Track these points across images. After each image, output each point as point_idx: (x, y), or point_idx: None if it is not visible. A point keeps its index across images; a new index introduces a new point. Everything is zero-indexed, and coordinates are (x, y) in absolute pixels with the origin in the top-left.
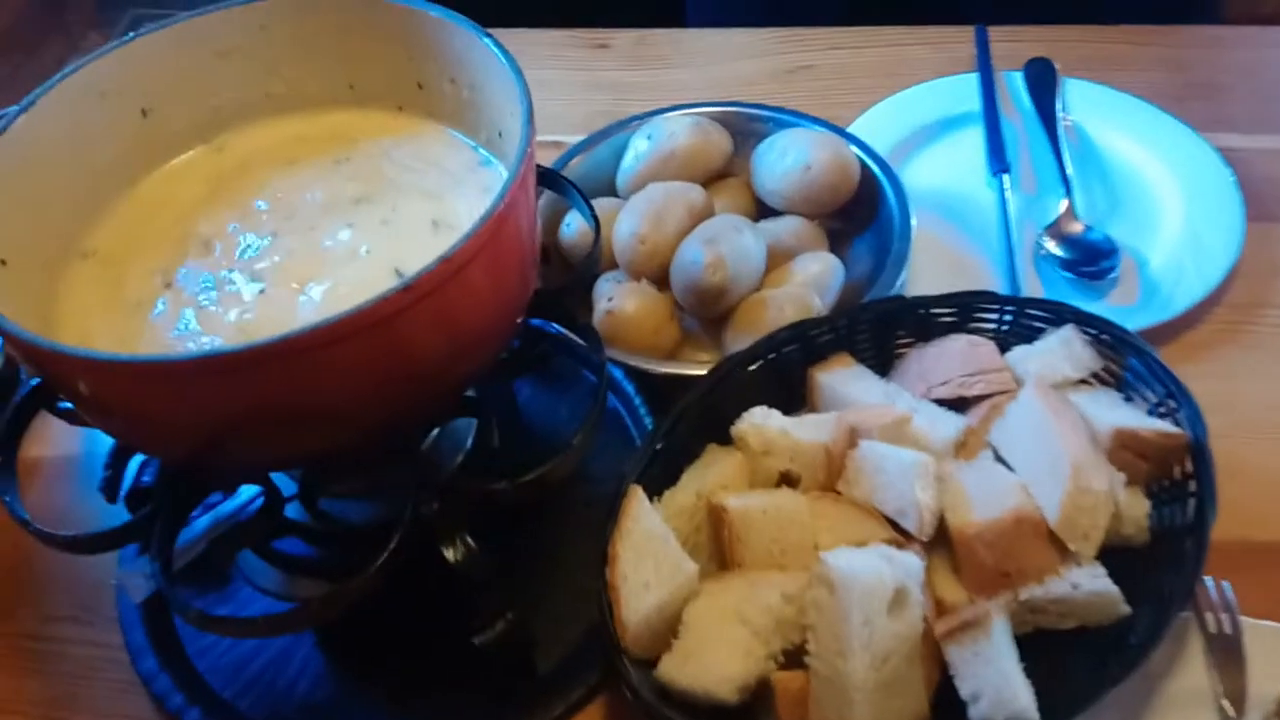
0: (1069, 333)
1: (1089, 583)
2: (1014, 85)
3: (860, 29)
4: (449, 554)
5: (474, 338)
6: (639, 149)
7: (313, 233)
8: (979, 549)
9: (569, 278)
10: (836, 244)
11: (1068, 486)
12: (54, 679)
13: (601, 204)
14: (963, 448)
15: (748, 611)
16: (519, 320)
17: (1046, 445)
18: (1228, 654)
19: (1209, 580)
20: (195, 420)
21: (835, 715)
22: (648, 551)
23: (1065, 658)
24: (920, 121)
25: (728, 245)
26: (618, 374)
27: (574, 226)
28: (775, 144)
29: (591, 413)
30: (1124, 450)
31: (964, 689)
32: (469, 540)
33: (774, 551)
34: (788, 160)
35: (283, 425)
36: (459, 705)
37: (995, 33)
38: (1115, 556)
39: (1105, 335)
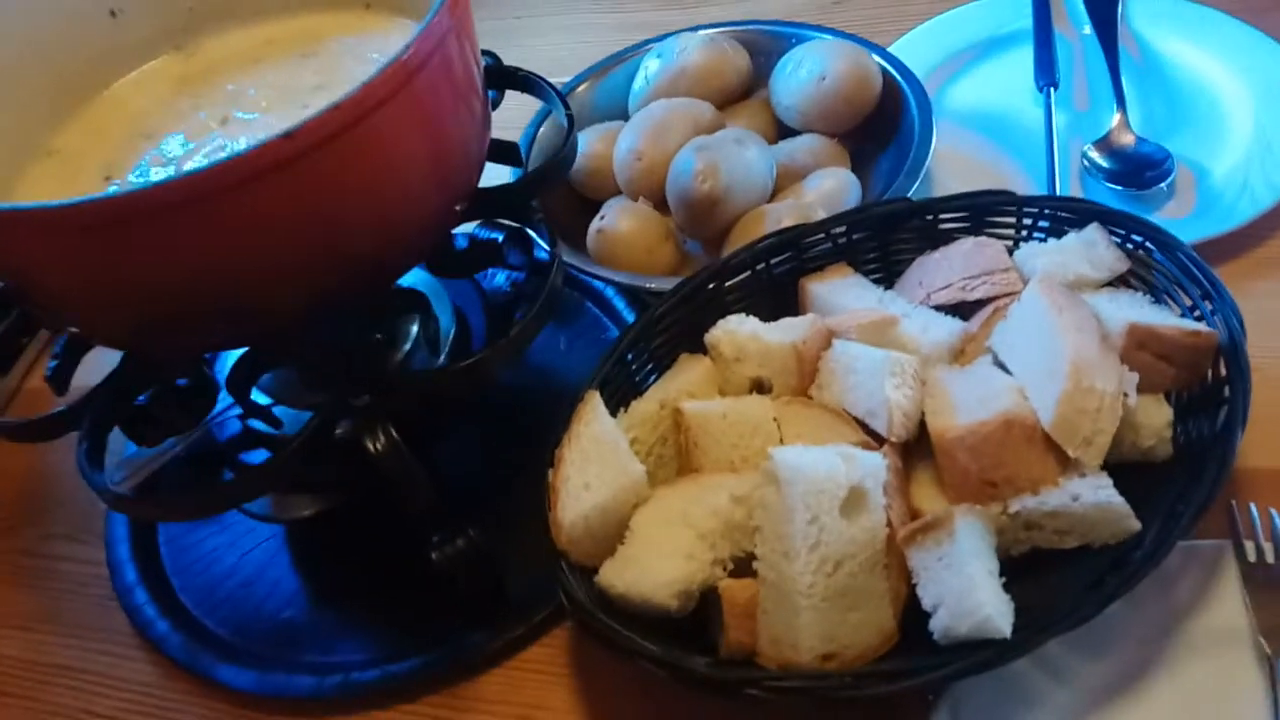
0: (1093, 233)
1: (1091, 494)
2: (1072, 2)
3: None
4: (369, 445)
5: (393, 212)
6: (649, 69)
7: (266, 117)
8: (960, 455)
9: (530, 174)
10: (861, 165)
11: (1065, 385)
12: (41, 593)
13: (608, 126)
14: (960, 355)
15: (694, 514)
16: (457, 208)
17: (1047, 344)
18: (1269, 586)
19: (1252, 507)
20: (112, 282)
21: (783, 626)
22: (595, 455)
23: (1059, 577)
24: (967, 41)
25: (724, 155)
26: (610, 293)
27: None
28: (793, 57)
29: (540, 299)
30: (1142, 351)
31: (925, 598)
32: (392, 432)
33: (735, 460)
34: (802, 72)
35: (197, 298)
36: (422, 623)
37: None
38: (1135, 474)
39: (1134, 235)
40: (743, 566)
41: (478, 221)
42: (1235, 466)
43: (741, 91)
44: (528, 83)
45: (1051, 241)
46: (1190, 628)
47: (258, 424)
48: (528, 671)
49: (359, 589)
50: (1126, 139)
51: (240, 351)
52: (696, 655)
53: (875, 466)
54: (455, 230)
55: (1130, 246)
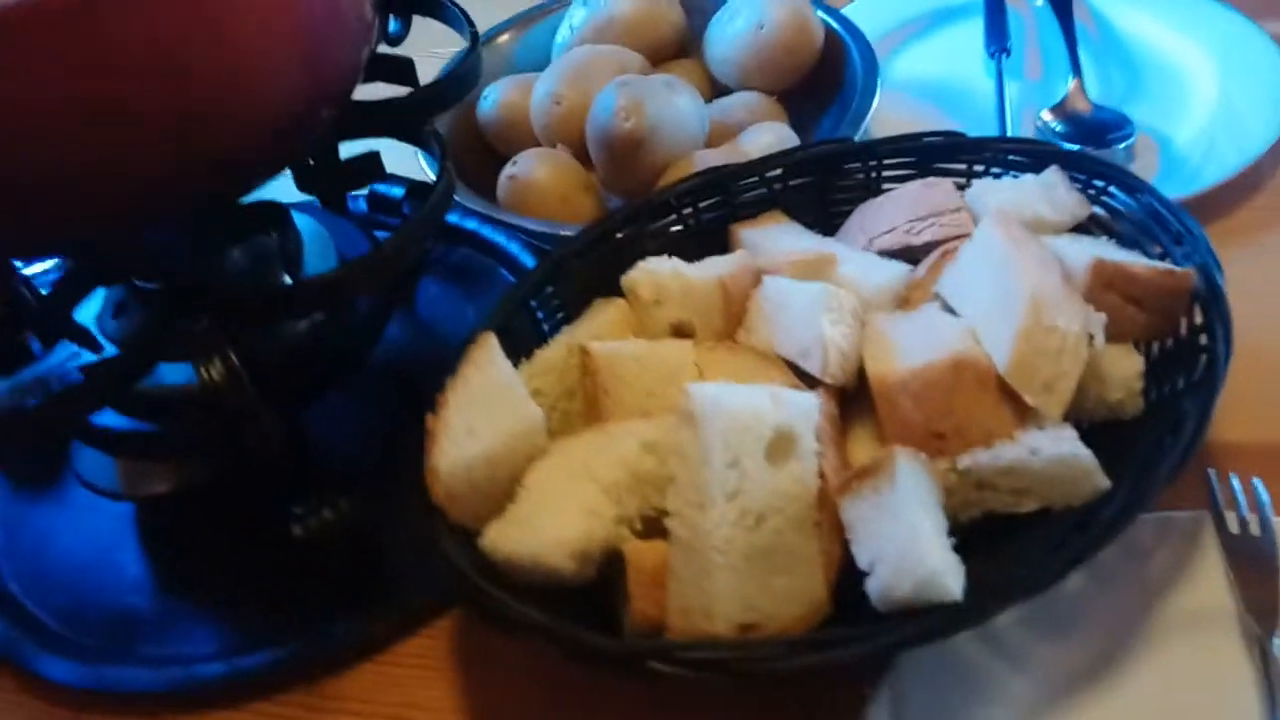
0: (1052, 175)
1: (1052, 447)
2: None
3: None
4: (203, 373)
5: (235, 86)
6: (575, 19)
7: None
8: (904, 402)
9: (422, 89)
10: (801, 126)
11: (1023, 322)
12: None
13: (526, 76)
14: (905, 303)
15: (597, 465)
16: (324, 113)
17: (1002, 281)
18: (1254, 560)
19: (1233, 477)
20: None
21: (695, 592)
22: (484, 400)
23: (1016, 547)
24: (916, 10)
25: (650, 94)
26: (524, 258)
27: (491, 98)
28: (730, 7)
29: (419, 214)
30: (1109, 292)
31: (862, 556)
32: (232, 359)
33: (649, 410)
34: (740, 21)
35: None
36: (282, 612)
37: None
38: (1101, 435)
39: (1096, 180)
40: (653, 529)
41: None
42: (1207, 442)
43: (675, 49)
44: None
45: (1007, 179)
46: (1167, 606)
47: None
48: (403, 666)
49: (214, 576)
50: (1083, 105)
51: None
52: (595, 630)
53: (807, 407)
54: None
55: (1092, 192)
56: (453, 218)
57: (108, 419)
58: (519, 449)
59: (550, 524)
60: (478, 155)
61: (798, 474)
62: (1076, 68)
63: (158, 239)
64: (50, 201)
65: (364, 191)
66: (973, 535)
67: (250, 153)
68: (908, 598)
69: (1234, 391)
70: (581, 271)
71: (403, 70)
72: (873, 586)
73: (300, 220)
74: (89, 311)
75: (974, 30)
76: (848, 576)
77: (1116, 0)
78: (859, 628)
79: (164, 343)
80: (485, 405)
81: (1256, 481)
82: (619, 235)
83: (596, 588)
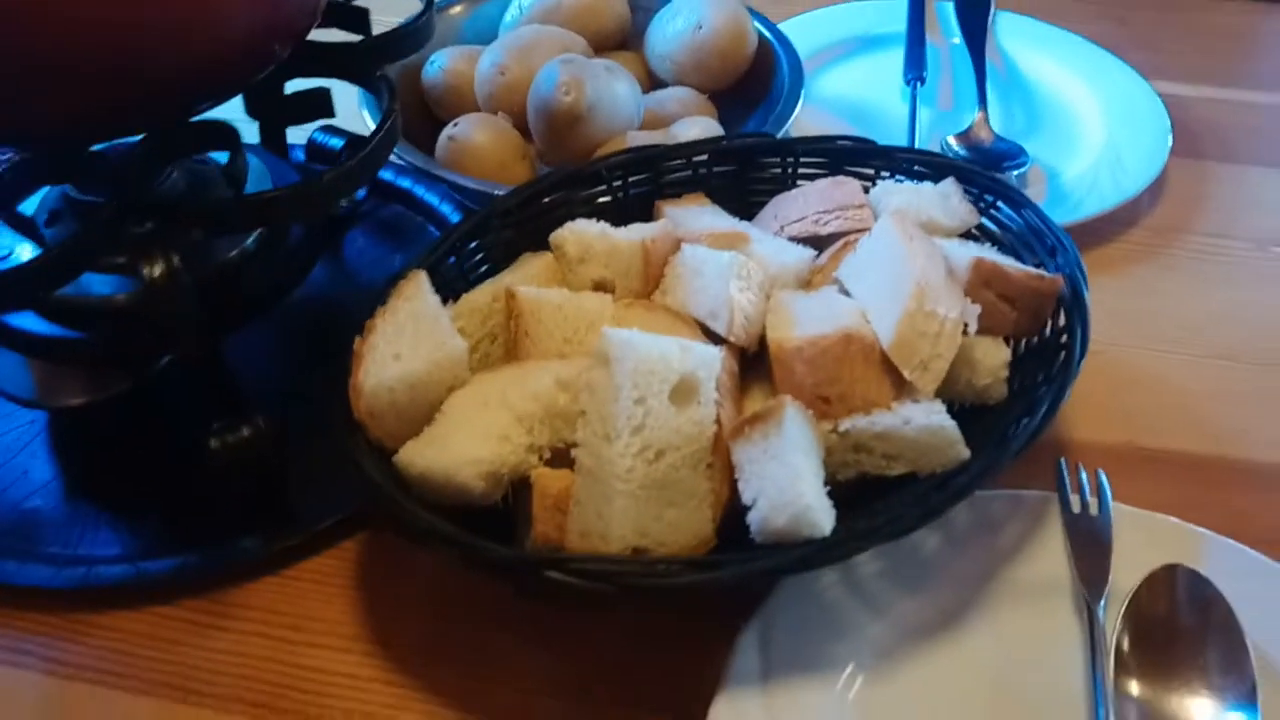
0: (948, 186)
1: (923, 418)
2: (945, 14)
3: None
4: (146, 271)
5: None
6: (524, 0)
7: None
8: (797, 366)
9: (377, 36)
10: (728, 125)
11: (907, 305)
12: None
13: (472, 47)
14: (807, 286)
15: (513, 396)
16: (276, 47)
17: (893, 270)
18: (1090, 537)
19: (1079, 465)
20: None
21: (594, 517)
22: (411, 329)
23: (883, 504)
24: (842, 35)
25: (590, 75)
26: (446, 209)
27: (437, 64)
28: (672, 7)
29: (364, 150)
30: (986, 289)
31: (746, 492)
32: (175, 261)
33: (566, 353)
34: (679, 21)
35: None
36: (188, 524)
37: None
38: (968, 417)
39: (987, 194)
40: (560, 460)
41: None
42: (1061, 437)
43: (617, 40)
44: None
45: (907, 183)
46: (1012, 573)
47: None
48: (304, 581)
49: (122, 485)
50: (985, 134)
51: None
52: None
53: (711, 358)
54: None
55: (983, 205)
56: (387, 174)
57: (33, 324)
58: (440, 377)
59: (465, 445)
60: (418, 119)
61: (697, 418)
62: (983, 101)
63: (108, 147)
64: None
65: (302, 142)
66: (847, 493)
67: (203, 76)
68: (783, 529)
69: (1088, 397)
70: (511, 227)
71: (358, 18)
72: (754, 518)
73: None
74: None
75: (895, 59)
76: (731, 519)
77: (1025, 46)
78: (737, 553)
79: (109, 240)
80: (412, 333)
81: (1100, 472)
82: (549, 199)
83: (499, 515)
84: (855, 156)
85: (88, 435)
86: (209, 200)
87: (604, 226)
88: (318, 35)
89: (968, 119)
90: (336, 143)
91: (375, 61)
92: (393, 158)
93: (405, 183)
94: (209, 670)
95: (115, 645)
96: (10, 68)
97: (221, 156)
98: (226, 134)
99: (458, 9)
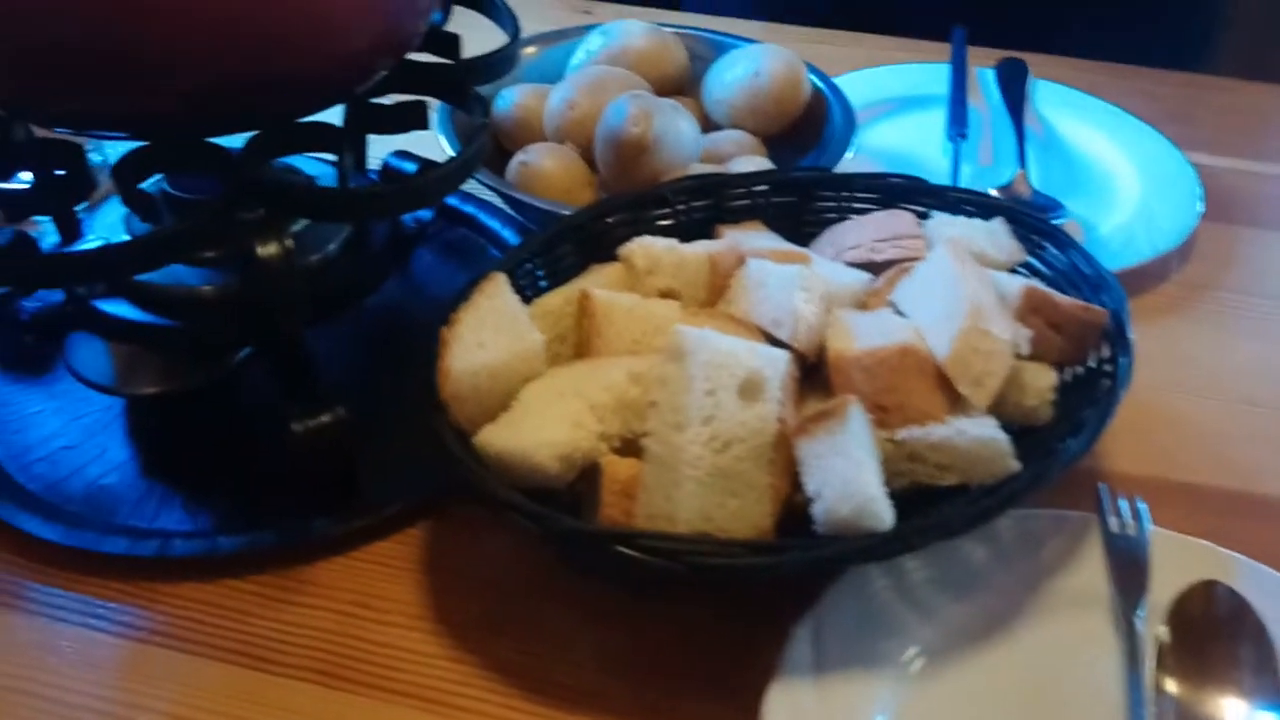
0: (997, 224)
1: (976, 430)
2: (986, 80)
3: (844, 32)
4: (260, 250)
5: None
6: (591, 45)
7: None
8: (856, 375)
9: (471, 58)
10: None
11: (963, 323)
12: None
13: (541, 85)
14: (862, 307)
15: (587, 387)
16: (379, 64)
17: (948, 293)
18: (1128, 553)
19: (1122, 499)
20: None
21: (663, 500)
22: (492, 322)
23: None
24: (889, 93)
25: (658, 110)
26: (508, 234)
27: (508, 99)
28: (730, 56)
29: (467, 152)
30: (1035, 316)
31: (810, 484)
32: (288, 243)
33: (635, 353)
34: (738, 69)
35: (68, 44)
36: (260, 504)
37: (975, 52)
38: (1015, 437)
39: (1034, 234)
40: (628, 450)
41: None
42: (1100, 467)
43: (676, 87)
44: None
45: (960, 218)
46: (1054, 585)
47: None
48: (369, 562)
49: (196, 466)
50: (1025, 190)
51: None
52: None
53: (777, 358)
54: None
55: (1028, 245)
56: (454, 200)
57: (127, 311)
58: (519, 367)
59: (541, 428)
60: (488, 149)
61: (762, 414)
62: (1022, 159)
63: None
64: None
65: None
66: (899, 504)
67: (317, 82)
68: (846, 519)
69: (1124, 433)
70: (580, 242)
71: (450, 43)
72: (818, 509)
73: (322, 171)
74: (116, 214)
75: (936, 118)
76: (789, 516)
77: (1061, 112)
78: (802, 539)
79: (226, 219)
80: (493, 327)
81: (1136, 498)
82: (615, 218)
83: (567, 503)
84: (908, 194)
85: (164, 420)
86: (317, 190)
87: (672, 241)
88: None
89: (1007, 174)
90: (410, 166)
91: (471, 81)
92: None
93: (469, 208)
94: (279, 641)
95: (187, 613)
96: (150, 60)
97: (306, 165)
98: (331, 135)
99: (530, 50)
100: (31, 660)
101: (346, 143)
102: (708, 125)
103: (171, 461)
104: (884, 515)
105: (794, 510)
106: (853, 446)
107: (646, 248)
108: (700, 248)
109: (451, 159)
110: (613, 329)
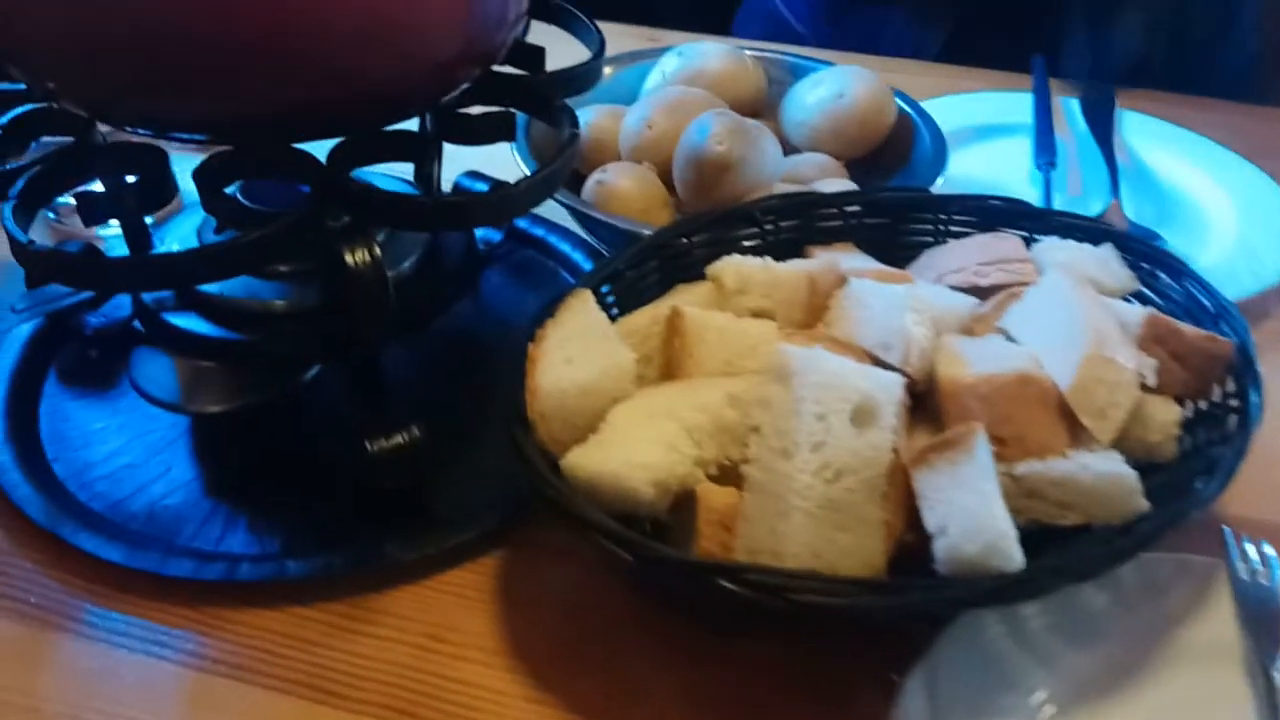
0: (1107, 250)
1: (1100, 465)
2: (1070, 110)
3: (913, 61)
4: (349, 257)
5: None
6: (667, 67)
7: None
8: (972, 403)
9: (557, 70)
10: None
11: (1087, 351)
12: None
13: (617, 107)
14: (968, 333)
15: (681, 408)
16: (464, 74)
17: (1066, 319)
18: (1260, 600)
19: (1244, 537)
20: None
21: (767, 533)
22: (580, 339)
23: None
24: (969, 121)
25: (743, 130)
26: (578, 257)
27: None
28: (812, 78)
29: (556, 161)
30: (1158, 346)
31: (931, 519)
32: (375, 250)
33: (727, 375)
34: (821, 90)
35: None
36: (329, 528)
37: (1060, 86)
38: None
39: (1144, 262)
40: (726, 478)
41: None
42: (1219, 509)
43: (752, 110)
44: (547, 11)
45: (1070, 243)
46: (1181, 634)
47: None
48: (443, 592)
49: (262, 486)
50: (1120, 221)
51: None
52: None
53: (892, 383)
54: None
55: (1139, 273)
56: (523, 223)
57: (197, 325)
58: (608, 386)
59: (634, 450)
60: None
61: (876, 442)
62: (1116, 189)
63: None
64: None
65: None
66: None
67: (405, 90)
68: (973, 558)
69: (1246, 478)
70: (663, 261)
71: (534, 56)
72: (941, 546)
73: (396, 187)
74: (190, 225)
75: (1019, 146)
76: (900, 555)
77: (1150, 143)
78: (924, 579)
79: (315, 225)
80: (582, 343)
81: (1263, 543)
82: (698, 238)
83: (655, 535)
84: (1009, 217)
85: (229, 439)
86: (405, 198)
87: (765, 259)
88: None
89: (1099, 205)
90: (481, 187)
91: (558, 92)
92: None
93: (539, 231)
94: (348, 674)
95: (254, 642)
96: (243, 61)
97: (379, 180)
98: (414, 143)
99: (607, 70)
100: (90, 688)
101: (429, 151)
102: (786, 149)
103: (237, 482)
104: (1014, 554)
105: (907, 548)
106: (978, 479)
107: (737, 266)
108: (797, 266)
109: (540, 169)
110: (704, 349)
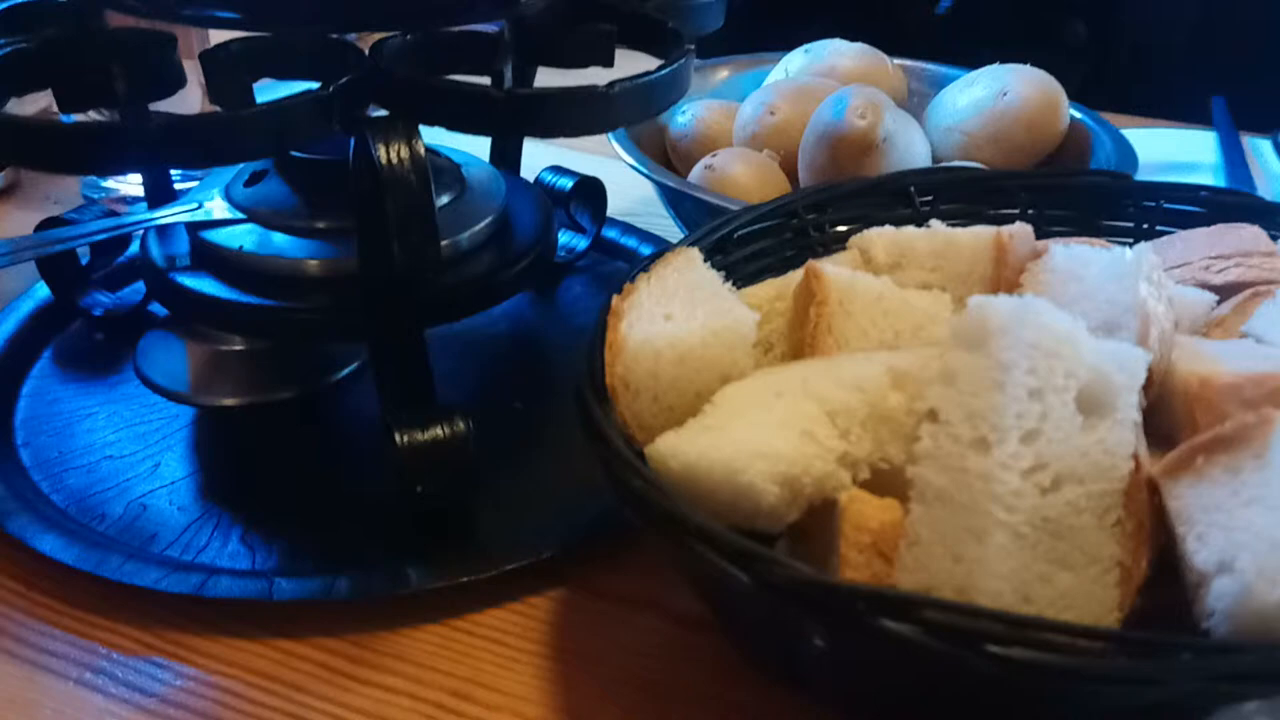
0: None
1: None
2: (1260, 152)
3: None
4: (383, 152)
5: None
6: (791, 65)
7: None
8: (1232, 409)
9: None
10: None
11: None
12: None
13: (728, 101)
14: (1204, 337)
15: (822, 385)
16: None
17: None
18: None
19: None
20: None
21: (950, 563)
22: (686, 294)
23: None
24: (1147, 159)
25: (889, 107)
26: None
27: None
28: (964, 79)
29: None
30: None
31: (1202, 553)
32: (419, 147)
33: None
34: (977, 89)
35: None
36: (339, 546)
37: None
38: None
39: None
40: (881, 490)
41: None
42: None
43: None
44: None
45: None
46: None
47: None
48: (475, 635)
49: (262, 494)
50: None
51: None
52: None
53: (1135, 359)
54: None
55: None
56: (612, 233)
57: (212, 287)
58: (716, 354)
59: (754, 434)
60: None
61: (1110, 443)
62: None
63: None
64: None
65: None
66: None
67: None
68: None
69: None
70: (792, 235)
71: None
72: (1225, 589)
73: (468, 160)
74: (222, 179)
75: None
76: (1139, 615)
77: None
78: (1191, 638)
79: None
80: (686, 299)
81: None
82: (832, 210)
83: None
84: (1236, 213)
85: (236, 437)
86: (465, 89)
87: (932, 223)
88: None
89: None
90: (566, 182)
91: (665, 21)
92: (648, 182)
93: (630, 241)
94: None
95: (223, 682)
96: None
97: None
98: (485, 47)
99: (724, 71)
100: None
101: (504, 58)
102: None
103: (236, 485)
104: None
105: (1150, 606)
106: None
107: (891, 237)
108: (978, 230)
109: (657, 67)
110: (852, 323)
